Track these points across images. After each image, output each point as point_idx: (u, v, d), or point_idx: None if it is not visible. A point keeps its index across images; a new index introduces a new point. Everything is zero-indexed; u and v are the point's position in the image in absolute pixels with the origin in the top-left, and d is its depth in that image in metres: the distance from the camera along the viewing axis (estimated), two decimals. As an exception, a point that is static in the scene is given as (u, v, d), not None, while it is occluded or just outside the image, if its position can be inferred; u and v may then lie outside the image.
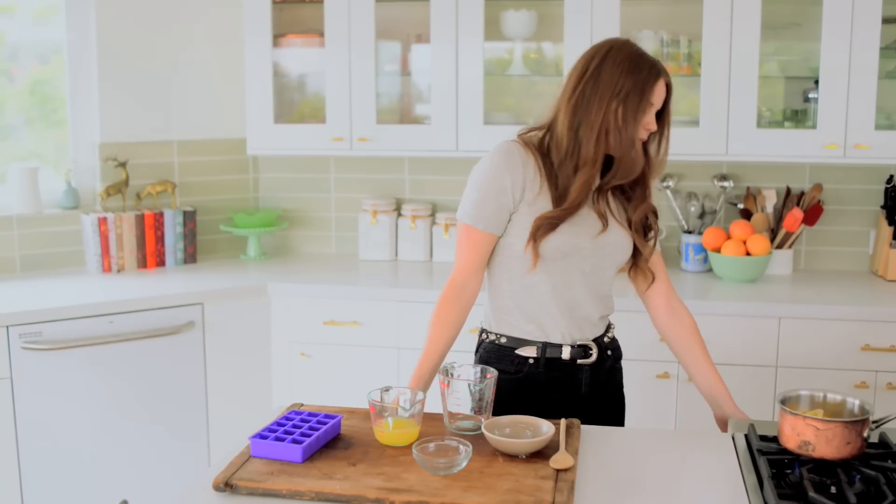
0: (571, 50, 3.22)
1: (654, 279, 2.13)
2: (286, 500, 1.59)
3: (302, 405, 1.99)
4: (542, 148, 2.02)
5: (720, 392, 2.09)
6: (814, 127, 3.19)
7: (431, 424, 1.87)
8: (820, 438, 1.65)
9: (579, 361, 2.06)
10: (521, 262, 2.02)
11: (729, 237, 3.31)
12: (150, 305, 3.10)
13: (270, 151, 3.59)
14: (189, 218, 3.61)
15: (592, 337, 2.08)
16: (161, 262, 3.57)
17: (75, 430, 3.01)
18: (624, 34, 3.25)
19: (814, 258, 3.54)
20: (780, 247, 3.41)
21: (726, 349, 2.93)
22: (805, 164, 3.46)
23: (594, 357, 2.07)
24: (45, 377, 2.93)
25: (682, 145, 3.20)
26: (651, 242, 2.10)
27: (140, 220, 3.51)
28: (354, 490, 1.59)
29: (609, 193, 2.04)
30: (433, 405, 1.93)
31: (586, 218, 2.01)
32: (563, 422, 1.84)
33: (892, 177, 3.38)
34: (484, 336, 2.14)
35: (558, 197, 1.98)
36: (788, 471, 1.66)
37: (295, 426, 1.79)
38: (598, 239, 2.02)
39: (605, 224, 2.01)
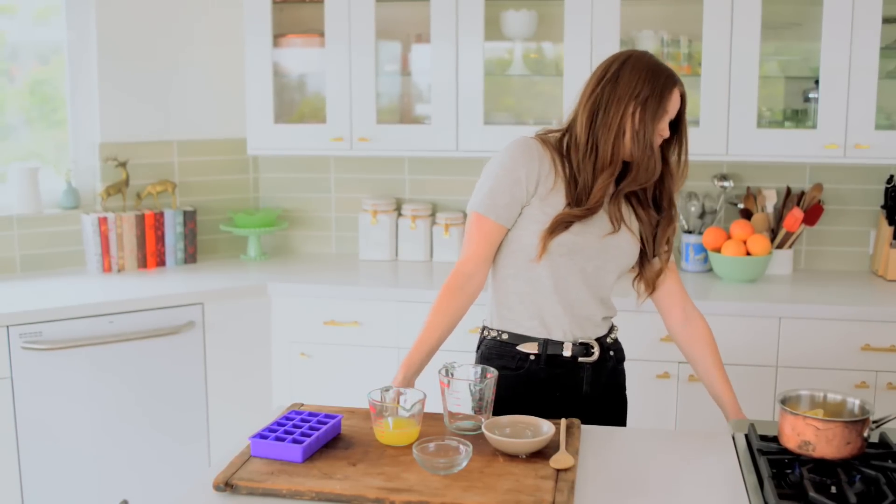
0: (571, 50, 3.23)
1: (654, 290, 2.14)
2: (286, 500, 1.59)
3: (302, 405, 1.99)
4: (561, 148, 2.04)
5: (727, 404, 2.08)
6: (814, 127, 3.19)
7: (431, 424, 1.87)
8: (820, 438, 1.65)
9: (581, 359, 2.06)
10: (526, 254, 2.02)
11: (729, 237, 3.31)
12: (151, 305, 3.10)
13: (270, 151, 3.59)
14: (189, 218, 3.61)
15: (595, 336, 2.09)
16: (161, 262, 3.57)
17: (75, 431, 3.01)
18: (624, 34, 3.25)
19: (814, 258, 3.54)
20: (780, 247, 3.41)
21: (726, 349, 2.90)
22: (805, 163, 3.46)
23: (596, 356, 2.07)
24: (45, 377, 2.93)
25: (682, 145, 3.22)
26: (664, 256, 2.11)
27: (140, 219, 3.51)
28: (354, 490, 1.59)
29: (622, 198, 2.05)
30: (433, 405, 1.93)
31: (597, 219, 2.02)
32: (563, 422, 1.84)
33: (892, 177, 3.38)
34: (486, 333, 2.14)
35: (577, 196, 1.99)
36: (789, 471, 1.66)
37: (295, 426, 1.79)
38: (605, 241, 2.02)
39: (617, 228, 2.03)
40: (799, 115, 3.34)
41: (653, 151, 1.99)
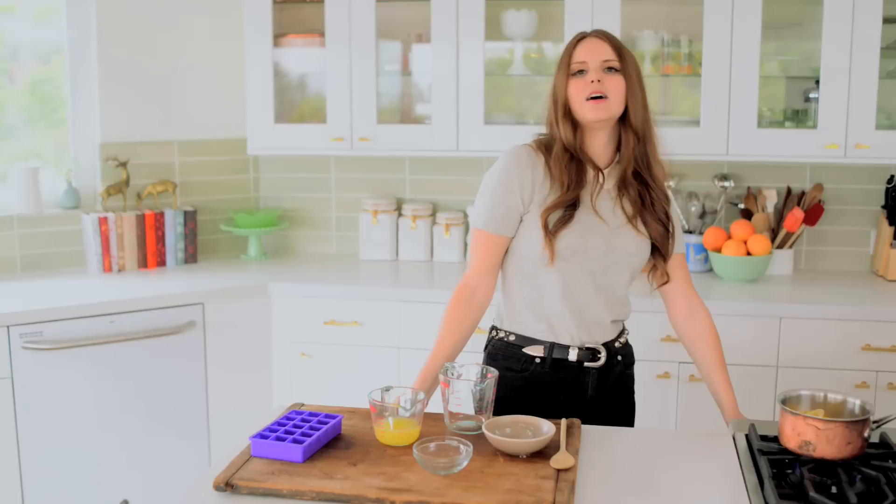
0: (572, 50, 3.22)
1: (668, 280, 2.12)
2: (287, 500, 1.59)
3: (302, 405, 1.99)
4: (548, 149, 2.05)
5: (725, 403, 2.06)
6: (814, 127, 3.19)
7: (432, 424, 1.87)
8: (821, 438, 1.64)
9: (586, 364, 2.06)
10: (532, 262, 2.03)
11: (730, 237, 3.31)
12: (151, 305, 3.10)
13: (271, 151, 3.59)
14: (190, 218, 3.61)
15: (602, 341, 2.08)
16: (162, 262, 3.57)
17: (76, 431, 3.01)
18: (625, 34, 3.25)
19: (814, 258, 3.54)
20: (780, 247, 3.41)
21: (727, 349, 2.89)
22: (806, 163, 3.46)
23: (602, 361, 2.07)
24: (45, 377, 2.93)
25: (682, 145, 3.21)
26: (671, 241, 2.09)
27: (141, 219, 3.51)
28: (355, 490, 1.59)
29: (626, 196, 2.04)
30: (434, 405, 1.93)
31: (598, 217, 2.01)
32: (563, 422, 1.84)
33: (892, 177, 3.38)
34: (494, 333, 2.15)
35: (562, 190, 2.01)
36: (789, 471, 1.66)
37: (296, 426, 1.79)
38: (611, 241, 2.02)
39: (625, 215, 2.02)
40: (799, 115, 3.34)
41: (576, 107, 2.00)
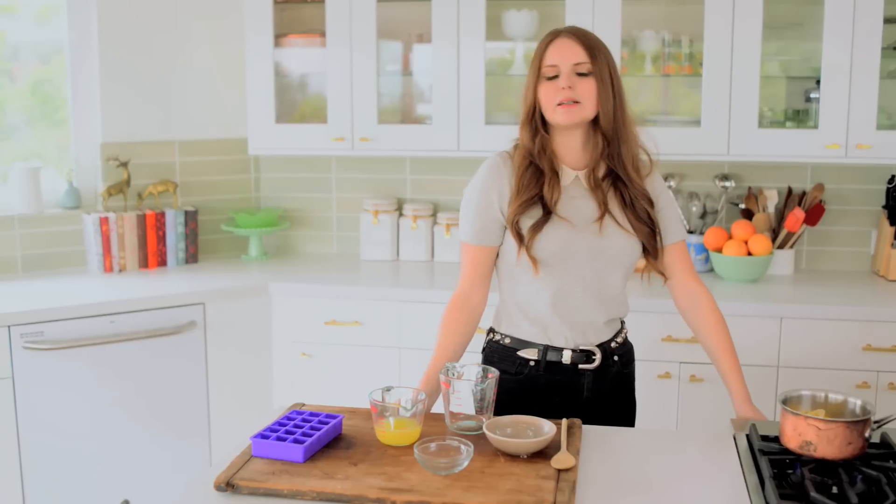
0: (573, 50, 3.22)
1: (665, 278, 2.12)
2: (287, 500, 1.59)
3: (303, 405, 1.99)
4: None
5: (733, 388, 2.05)
6: (815, 127, 3.18)
7: (433, 424, 1.87)
8: (821, 438, 1.64)
9: (581, 366, 2.06)
10: (520, 270, 2.03)
11: (730, 237, 3.31)
12: (152, 305, 3.10)
13: (272, 151, 3.59)
14: (190, 218, 3.61)
15: (597, 342, 2.07)
16: (162, 262, 3.58)
17: (77, 430, 3.01)
18: (625, 34, 3.25)
19: (815, 258, 3.54)
20: (781, 247, 3.41)
21: (728, 349, 2.93)
22: (806, 164, 3.46)
23: (597, 362, 2.06)
24: (46, 377, 2.93)
25: (683, 145, 3.22)
26: (658, 239, 2.07)
27: (141, 219, 3.51)
28: (356, 490, 1.59)
29: (609, 193, 2.03)
30: (437, 406, 1.93)
31: (580, 219, 2.01)
32: (564, 422, 1.84)
33: (893, 177, 3.38)
34: (490, 335, 2.15)
35: (543, 201, 2.00)
36: (790, 471, 1.66)
37: (296, 426, 1.79)
38: (598, 243, 2.01)
39: (603, 212, 2.00)
40: (800, 115, 3.34)
41: (543, 118, 2.00)
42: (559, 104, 1.96)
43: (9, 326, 2.87)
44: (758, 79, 3.15)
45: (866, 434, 1.66)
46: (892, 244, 3.31)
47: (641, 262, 2.11)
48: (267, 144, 3.54)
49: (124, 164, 3.48)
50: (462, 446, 1.68)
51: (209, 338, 3.21)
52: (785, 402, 1.75)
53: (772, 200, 3.45)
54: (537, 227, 1.98)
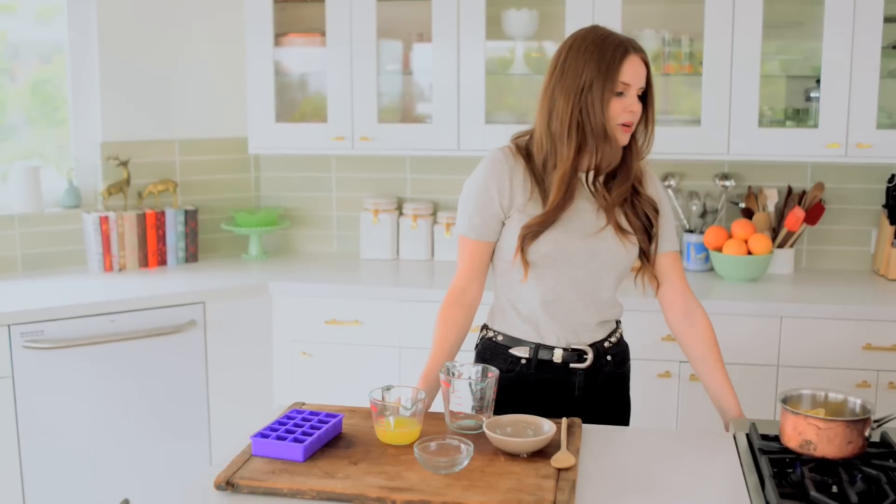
0: (573, 49, 3.22)
1: (658, 284, 2.11)
2: (287, 500, 1.59)
3: (303, 404, 1.99)
4: (529, 152, 2.03)
5: (728, 404, 2.04)
6: (815, 126, 3.18)
7: (433, 423, 1.87)
8: (821, 438, 1.64)
9: (572, 365, 2.05)
10: (516, 268, 2.02)
11: (730, 236, 3.31)
12: (152, 304, 3.10)
13: (272, 150, 3.59)
14: (190, 217, 3.61)
15: (590, 342, 2.06)
16: (162, 261, 3.58)
17: (77, 429, 3.01)
18: (626, 33, 3.23)
19: (815, 257, 3.54)
20: (781, 246, 3.41)
21: (727, 348, 2.90)
22: (807, 163, 3.46)
23: (589, 362, 2.06)
24: (46, 376, 2.94)
25: (683, 144, 3.22)
26: (653, 243, 2.07)
27: (141, 219, 3.51)
28: (356, 489, 1.59)
29: (613, 196, 2.02)
30: (435, 404, 1.93)
31: (579, 221, 2.00)
32: (564, 421, 1.84)
33: (893, 176, 3.38)
34: (484, 332, 2.15)
35: (545, 200, 1.98)
36: (790, 470, 1.66)
37: (296, 425, 1.79)
38: (592, 245, 2.00)
39: (608, 219, 1.99)
40: (800, 115, 3.34)
41: (607, 136, 1.93)
42: (623, 124, 1.94)
43: (9, 325, 2.87)
44: (758, 78, 3.15)
45: (866, 433, 1.66)
46: (893, 243, 3.31)
47: (637, 263, 2.10)
48: (267, 144, 3.54)
49: (124, 164, 3.48)
50: (462, 445, 1.68)
51: (209, 337, 3.21)
52: (785, 401, 1.75)
53: (772, 199, 3.45)
54: (536, 233, 1.97)
